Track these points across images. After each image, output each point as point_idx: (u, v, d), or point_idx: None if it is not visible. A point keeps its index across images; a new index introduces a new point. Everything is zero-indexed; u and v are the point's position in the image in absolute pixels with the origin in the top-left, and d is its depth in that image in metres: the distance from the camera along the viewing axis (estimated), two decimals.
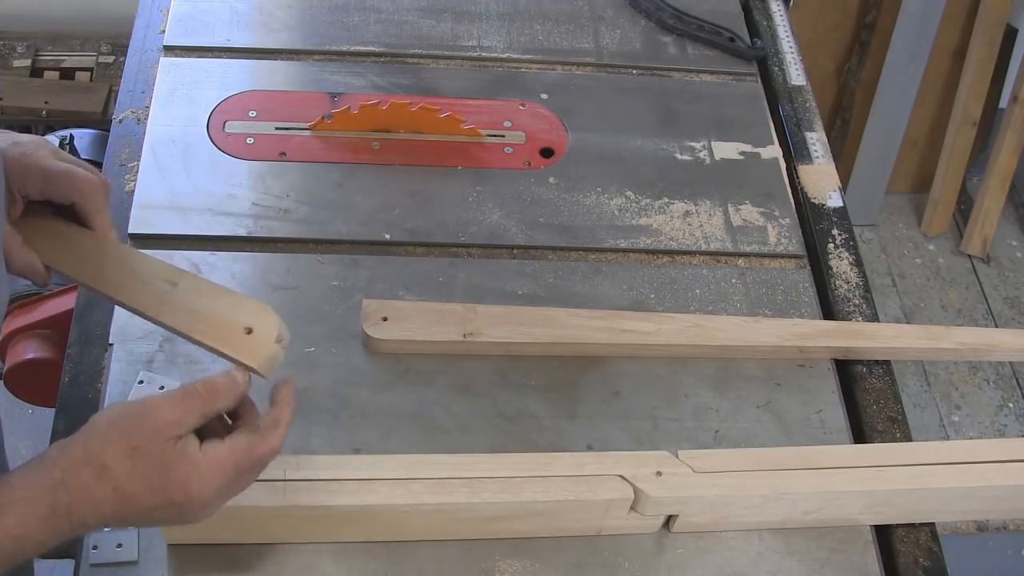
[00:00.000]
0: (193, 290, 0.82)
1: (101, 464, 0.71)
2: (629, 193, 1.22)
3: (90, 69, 2.16)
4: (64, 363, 1.00)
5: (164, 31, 1.32)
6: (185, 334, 0.80)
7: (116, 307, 1.02)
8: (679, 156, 1.27)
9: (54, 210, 0.85)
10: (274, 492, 0.85)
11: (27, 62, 2.15)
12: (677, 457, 0.92)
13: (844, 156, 2.54)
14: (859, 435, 1.04)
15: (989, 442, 1.01)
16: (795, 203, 1.24)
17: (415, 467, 0.89)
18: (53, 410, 0.98)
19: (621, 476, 0.90)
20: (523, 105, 1.30)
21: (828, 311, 1.14)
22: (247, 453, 0.75)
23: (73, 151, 1.60)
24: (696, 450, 0.94)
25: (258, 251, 1.10)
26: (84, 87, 2.13)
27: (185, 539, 0.88)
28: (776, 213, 1.22)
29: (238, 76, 1.28)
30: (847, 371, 1.09)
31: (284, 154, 1.20)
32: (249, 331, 0.79)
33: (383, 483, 0.87)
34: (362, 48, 1.34)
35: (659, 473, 0.91)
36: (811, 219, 1.23)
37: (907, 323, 2.35)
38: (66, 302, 1.23)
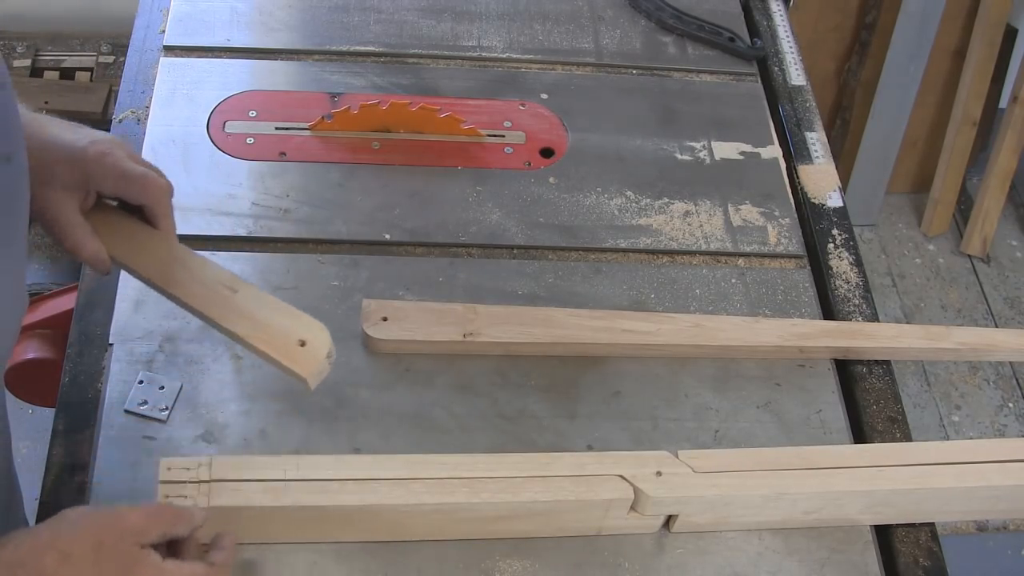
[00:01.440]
0: (252, 299, 0.87)
1: (66, 552, 0.72)
2: (629, 193, 1.22)
3: (90, 69, 2.16)
4: (64, 363, 1.00)
5: (164, 31, 1.32)
6: (244, 340, 0.85)
7: (116, 307, 1.03)
8: (679, 156, 1.27)
9: (123, 207, 0.90)
10: (274, 492, 0.85)
11: (27, 62, 2.15)
12: (677, 457, 0.92)
13: (844, 156, 2.54)
14: (859, 435, 1.04)
15: (989, 442, 1.00)
16: (795, 203, 1.24)
17: (415, 467, 0.89)
18: (53, 410, 0.98)
19: (621, 476, 0.90)
20: (523, 105, 1.30)
21: (828, 311, 1.14)
22: None
23: None
24: (696, 450, 0.94)
25: (258, 251, 1.10)
26: (84, 87, 2.13)
27: None
28: (776, 213, 1.22)
29: (238, 76, 1.28)
30: (847, 371, 1.09)
31: (284, 154, 1.20)
32: (303, 344, 0.84)
33: (383, 483, 0.87)
34: (362, 48, 1.34)
35: (659, 473, 0.91)
36: (811, 219, 1.23)
37: (907, 323, 2.35)
38: (66, 302, 1.23)
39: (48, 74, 2.16)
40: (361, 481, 0.87)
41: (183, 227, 1.10)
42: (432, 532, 0.90)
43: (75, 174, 0.86)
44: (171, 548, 0.79)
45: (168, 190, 0.90)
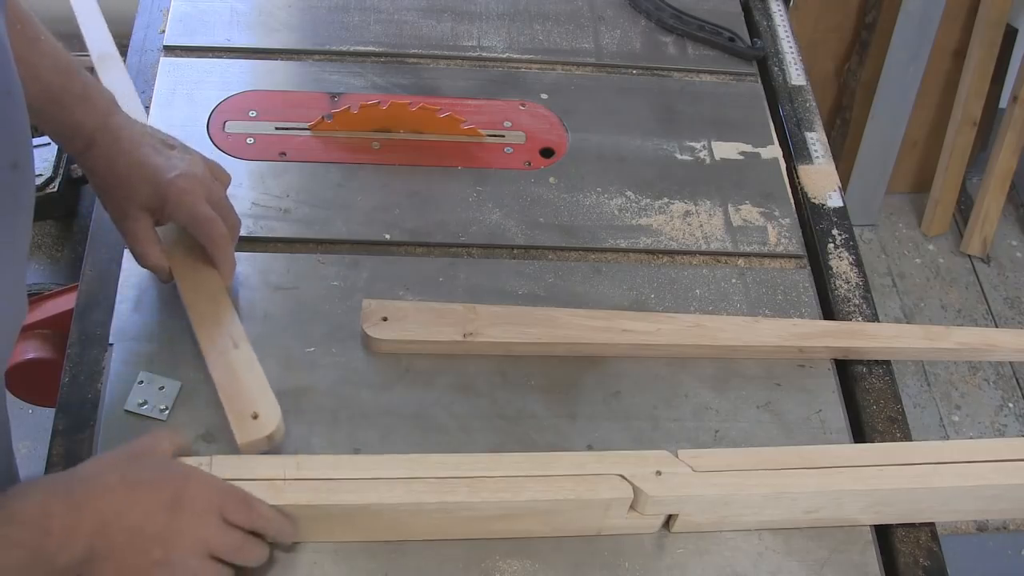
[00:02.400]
0: (243, 359, 0.97)
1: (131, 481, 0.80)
2: (629, 193, 1.22)
3: (90, 69, 2.16)
4: (64, 363, 1.00)
5: (164, 31, 1.32)
6: (216, 384, 0.95)
7: (116, 307, 1.03)
8: (679, 156, 1.27)
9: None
10: (274, 491, 0.85)
11: None
12: (677, 457, 0.92)
13: (844, 156, 2.54)
14: (859, 435, 1.04)
15: (989, 442, 1.00)
16: (795, 203, 1.24)
17: (415, 466, 0.89)
18: (53, 410, 0.98)
19: (621, 476, 0.90)
20: (523, 105, 1.30)
21: (828, 311, 1.14)
22: (246, 499, 0.84)
23: None
24: (696, 450, 0.94)
25: (258, 251, 1.10)
26: None
27: None
28: (776, 213, 1.22)
29: (238, 76, 1.28)
30: (847, 371, 1.09)
31: (284, 154, 1.20)
32: (255, 416, 0.93)
33: (383, 482, 0.87)
34: (362, 48, 1.34)
35: (659, 472, 0.91)
36: (811, 219, 1.23)
37: (907, 323, 2.35)
38: (66, 302, 1.23)
39: None
40: (361, 480, 0.87)
41: None
42: (432, 531, 0.90)
43: (154, 200, 0.97)
44: None
45: (228, 236, 1.00)
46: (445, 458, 0.90)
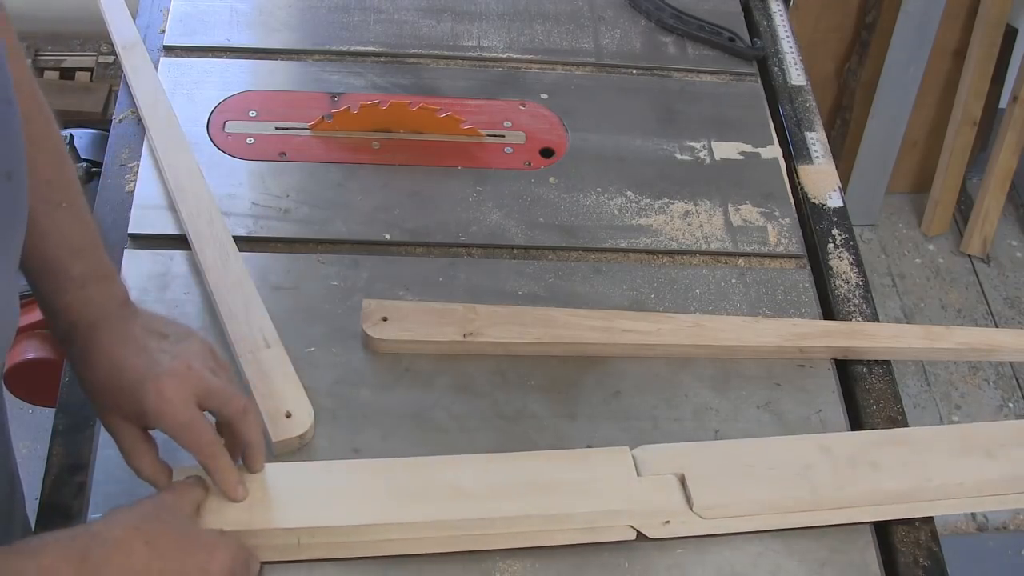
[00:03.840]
0: (276, 359, 0.98)
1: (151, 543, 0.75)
2: (629, 193, 1.22)
3: (90, 69, 2.16)
4: (64, 363, 1.00)
5: (164, 31, 1.32)
6: (247, 384, 0.96)
7: None
8: (679, 156, 1.27)
9: None
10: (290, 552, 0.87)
11: (27, 62, 2.15)
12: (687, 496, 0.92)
13: (844, 156, 2.54)
14: None
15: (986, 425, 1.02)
16: (795, 203, 1.24)
17: (405, 508, 0.88)
18: (53, 410, 0.98)
19: (631, 526, 0.91)
20: (523, 105, 1.30)
21: (828, 311, 1.14)
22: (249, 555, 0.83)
23: (73, 151, 1.61)
24: (708, 480, 0.92)
25: (258, 251, 1.10)
26: (84, 87, 2.14)
27: None
28: (776, 213, 1.22)
29: (238, 76, 1.28)
30: (847, 371, 1.09)
31: (284, 154, 1.20)
32: (288, 415, 0.94)
33: (398, 530, 0.88)
34: (362, 48, 1.34)
35: (667, 522, 0.91)
36: (811, 219, 1.23)
37: (907, 323, 2.35)
38: None
39: (48, 74, 2.16)
40: (377, 531, 0.88)
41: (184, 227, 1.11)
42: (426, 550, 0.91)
43: (135, 408, 0.82)
44: None
45: (218, 444, 0.85)
46: (441, 503, 0.89)
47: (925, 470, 0.96)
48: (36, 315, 1.23)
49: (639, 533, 0.91)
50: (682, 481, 0.92)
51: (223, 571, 0.77)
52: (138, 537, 0.73)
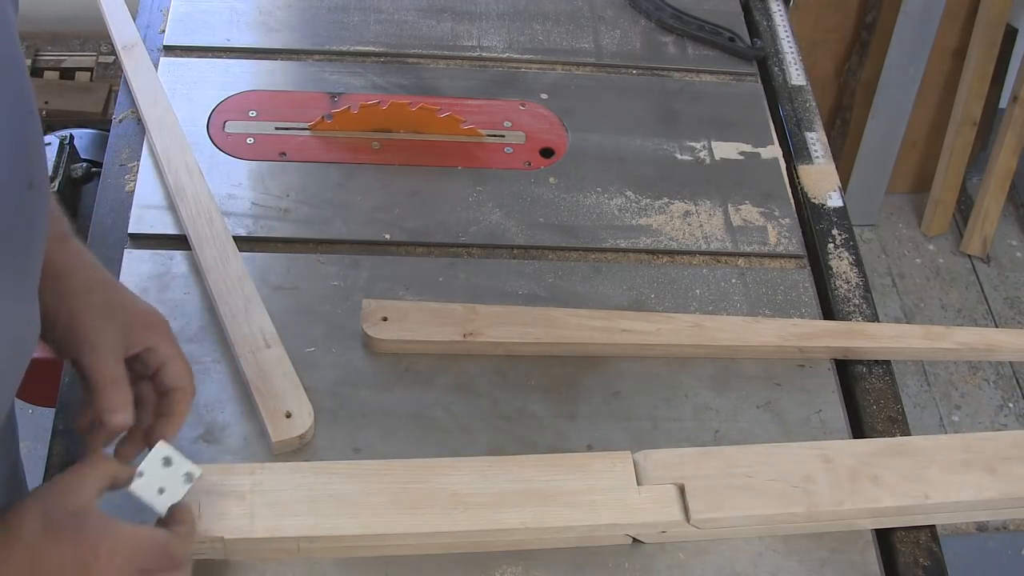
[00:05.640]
0: (276, 359, 0.99)
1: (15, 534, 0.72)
2: (629, 193, 1.22)
3: (90, 69, 2.16)
4: (64, 363, 1.00)
5: (164, 31, 1.32)
6: (248, 384, 0.97)
7: None
8: (679, 156, 1.27)
9: None
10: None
11: (27, 62, 2.15)
12: (687, 503, 0.92)
13: (844, 156, 2.54)
14: (859, 435, 1.04)
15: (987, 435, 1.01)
16: (795, 203, 1.24)
17: (404, 518, 0.88)
18: (53, 410, 0.98)
19: (628, 535, 0.91)
20: (523, 105, 1.30)
21: (828, 311, 1.14)
22: (163, 548, 0.77)
23: (73, 151, 1.60)
24: (707, 491, 0.92)
25: (258, 251, 1.10)
26: (84, 87, 2.14)
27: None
28: (776, 213, 1.22)
29: (238, 76, 1.28)
30: (847, 371, 1.09)
31: (284, 154, 1.20)
32: (288, 415, 0.95)
33: (394, 538, 0.88)
34: (362, 48, 1.34)
35: (663, 532, 0.91)
36: (811, 219, 1.23)
37: (907, 323, 2.35)
38: None
39: (48, 74, 2.16)
40: (374, 538, 0.88)
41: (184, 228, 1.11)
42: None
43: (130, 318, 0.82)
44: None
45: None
46: (439, 511, 0.89)
47: (924, 487, 0.95)
48: None
49: (635, 539, 0.92)
50: (681, 491, 0.92)
51: (111, 564, 0.74)
52: (34, 521, 0.73)
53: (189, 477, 0.81)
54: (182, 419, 0.84)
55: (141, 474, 0.80)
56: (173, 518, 0.81)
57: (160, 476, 0.80)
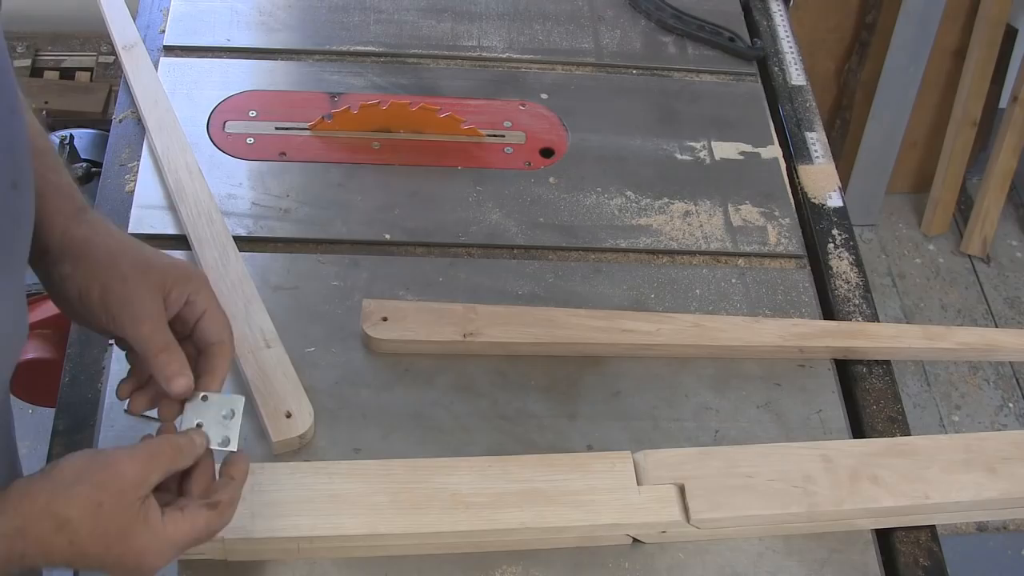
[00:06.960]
0: (276, 359, 0.98)
1: (64, 517, 0.69)
2: (629, 193, 1.22)
3: (90, 69, 2.16)
4: (64, 363, 1.00)
5: (164, 31, 1.32)
6: (248, 383, 0.96)
7: None
8: (679, 156, 1.27)
9: None
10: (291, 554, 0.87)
11: (27, 62, 2.15)
12: (687, 510, 0.92)
13: (844, 156, 2.54)
14: (859, 435, 1.04)
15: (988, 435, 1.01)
16: (795, 203, 1.24)
17: (404, 518, 0.88)
18: (53, 410, 0.98)
19: (628, 535, 0.91)
20: (523, 105, 1.30)
21: (828, 311, 1.14)
22: (205, 530, 0.76)
23: (73, 151, 1.60)
24: (707, 488, 0.92)
25: (258, 251, 1.10)
26: (84, 87, 2.14)
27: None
28: (776, 213, 1.22)
29: (238, 76, 1.28)
30: (847, 371, 1.09)
31: (284, 154, 1.20)
32: (288, 415, 0.95)
33: (395, 538, 0.88)
34: (362, 48, 1.34)
35: (664, 532, 0.91)
36: (811, 219, 1.23)
37: (907, 323, 2.35)
38: None
39: (48, 74, 2.16)
40: (374, 538, 0.88)
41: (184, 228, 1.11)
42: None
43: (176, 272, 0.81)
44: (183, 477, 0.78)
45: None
46: (440, 511, 0.89)
47: (924, 487, 0.95)
48: (36, 315, 1.24)
49: (635, 539, 0.92)
50: (681, 491, 0.92)
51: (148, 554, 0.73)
52: (65, 537, 0.70)
53: (232, 413, 0.80)
54: (224, 374, 0.82)
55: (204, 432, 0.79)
56: (224, 471, 0.79)
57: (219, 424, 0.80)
